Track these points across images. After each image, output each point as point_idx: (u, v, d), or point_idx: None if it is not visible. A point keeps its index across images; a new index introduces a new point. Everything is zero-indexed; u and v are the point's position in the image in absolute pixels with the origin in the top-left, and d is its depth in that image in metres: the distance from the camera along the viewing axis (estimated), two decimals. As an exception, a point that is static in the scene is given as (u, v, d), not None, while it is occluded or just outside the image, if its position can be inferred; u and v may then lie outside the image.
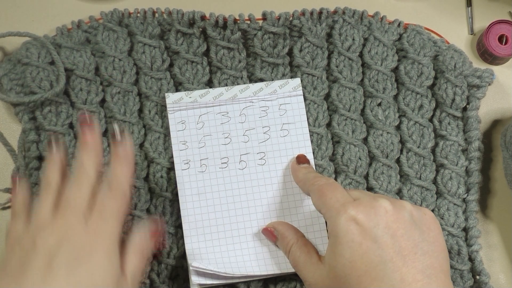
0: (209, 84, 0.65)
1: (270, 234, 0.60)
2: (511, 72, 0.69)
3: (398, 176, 0.64)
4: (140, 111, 0.64)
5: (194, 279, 0.58)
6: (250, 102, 0.64)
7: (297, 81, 0.65)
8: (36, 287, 0.47)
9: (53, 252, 0.49)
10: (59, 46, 0.64)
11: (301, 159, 0.62)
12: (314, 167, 0.63)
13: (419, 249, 0.51)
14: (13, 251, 0.51)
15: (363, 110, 0.65)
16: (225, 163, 0.63)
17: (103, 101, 0.64)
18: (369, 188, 0.64)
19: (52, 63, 0.63)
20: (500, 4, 0.71)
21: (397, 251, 0.50)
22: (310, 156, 0.63)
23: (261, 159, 0.63)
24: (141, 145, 0.63)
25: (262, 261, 0.60)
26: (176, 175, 0.62)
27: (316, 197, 0.56)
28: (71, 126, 0.63)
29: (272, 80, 0.65)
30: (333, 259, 0.52)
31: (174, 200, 0.62)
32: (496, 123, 0.67)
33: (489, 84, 0.65)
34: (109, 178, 0.53)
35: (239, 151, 0.63)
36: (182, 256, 0.61)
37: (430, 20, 0.67)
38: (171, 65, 0.65)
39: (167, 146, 0.63)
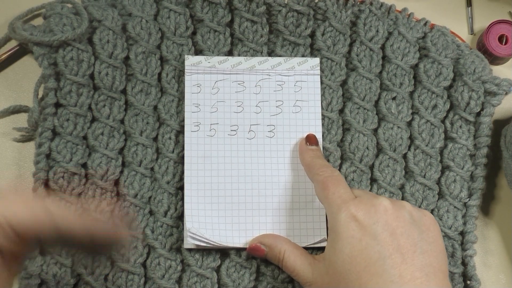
0: (229, 55, 0.66)
1: (257, 249, 0.60)
2: (511, 72, 0.69)
3: (403, 172, 0.64)
4: (159, 74, 0.65)
5: (189, 240, 0.59)
6: (267, 75, 0.65)
7: (316, 60, 0.65)
8: None
9: None
10: (85, 7, 0.64)
11: (310, 140, 0.63)
12: (321, 148, 0.63)
13: (418, 248, 0.52)
14: None
15: (377, 102, 0.66)
16: (234, 130, 0.63)
17: (125, 59, 0.64)
18: (373, 180, 0.64)
19: (76, 14, 0.63)
20: (500, 4, 0.71)
21: (396, 248, 0.51)
22: (319, 136, 0.64)
23: (270, 131, 0.64)
24: (155, 107, 0.64)
25: (257, 232, 0.61)
26: (185, 136, 0.62)
27: (319, 189, 0.57)
28: (91, 76, 0.63)
29: (292, 59, 0.66)
30: (333, 254, 0.53)
31: (179, 163, 0.63)
32: (496, 123, 0.67)
33: (506, 93, 0.65)
34: None
35: (249, 121, 0.64)
36: (179, 217, 0.62)
37: (430, 20, 0.67)
38: (194, 33, 0.66)
39: (180, 110, 0.64)
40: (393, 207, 0.54)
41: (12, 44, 0.65)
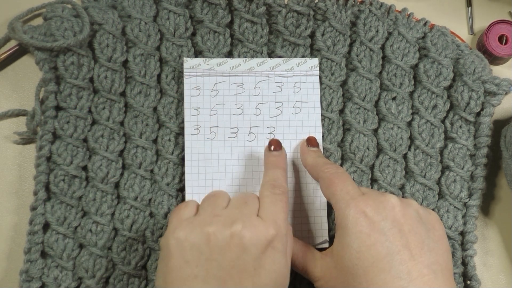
0: (229, 56, 0.66)
1: None
2: (511, 72, 0.69)
3: (403, 172, 0.64)
4: (158, 76, 0.65)
5: None
6: (266, 76, 0.65)
7: (314, 61, 0.65)
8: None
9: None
10: (86, 8, 0.64)
11: (311, 142, 0.63)
12: (322, 149, 0.63)
13: (425, 245, 0.52)
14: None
15: (377, 102, 0.66)
16: (234, 133, 0.63)
17: (125, 62, 0.65)
18: (373, 180, 0.64)
19: (76, 16, 0.63)
20: (500, 4, 0.71)
21: (404, 245, 0.52)
22: (319, 137, 0.64)
23: (270, 133, 0.64)
24: (155, 109, 0.64)
25: None
26: (185, 140, 0.62)
27: (326, 186, 0.57)
28: (91, 80, 0.63)
29: (291, 60, 0.66)
30: (341, 249, 0.53)
31: (178, 164, 0.63)
32: (496, 123, 0.67)
33: (506, 93, 0.65)
34: (271, 183, 0.56)
35: (249, 123, 0.64)
36: (179, 219, 0.62)
37: (430, 20, 0.67)
38: (193, 34, 0.66)
39: (179, 112, 0.64)
40: (401, 204, 0.54)
41: (12, 43, 0.65)
